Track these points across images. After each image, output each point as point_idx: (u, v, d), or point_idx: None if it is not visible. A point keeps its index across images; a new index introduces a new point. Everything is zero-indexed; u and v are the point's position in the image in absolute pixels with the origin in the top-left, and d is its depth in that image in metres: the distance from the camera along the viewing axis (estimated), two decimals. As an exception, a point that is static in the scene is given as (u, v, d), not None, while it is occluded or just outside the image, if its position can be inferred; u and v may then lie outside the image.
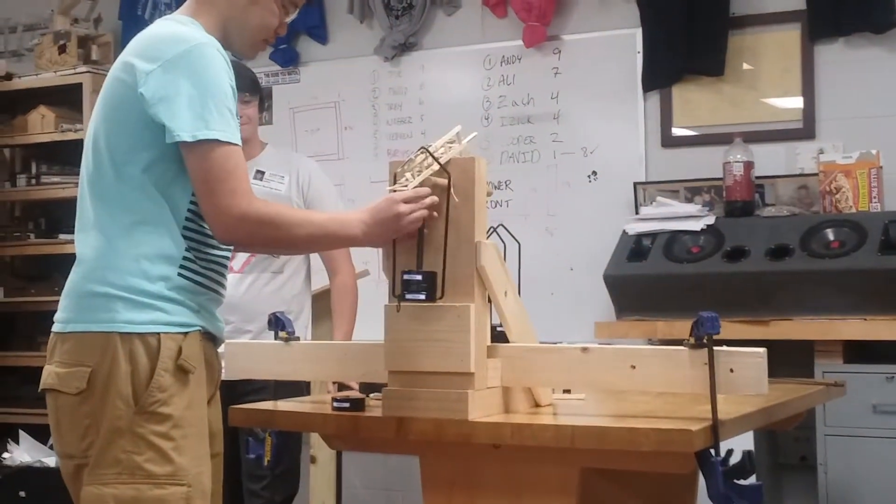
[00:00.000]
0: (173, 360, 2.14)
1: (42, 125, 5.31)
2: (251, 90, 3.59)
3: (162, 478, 2.12)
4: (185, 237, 2.20)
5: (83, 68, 5.25)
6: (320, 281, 3.89)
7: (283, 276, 3.58)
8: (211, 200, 2.14)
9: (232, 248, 2.33)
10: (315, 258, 3.70)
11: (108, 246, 2.18)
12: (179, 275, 2.19)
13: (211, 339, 2.28)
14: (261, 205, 2.19)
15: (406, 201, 2.22)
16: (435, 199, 2.23)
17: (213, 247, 2.26)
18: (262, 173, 3.61)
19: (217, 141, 2.13)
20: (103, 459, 2.12)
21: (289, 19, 2.39)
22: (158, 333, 2.14)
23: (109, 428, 2.11)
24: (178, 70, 2.14)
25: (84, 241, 2.24)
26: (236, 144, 2.17)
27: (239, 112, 3.52)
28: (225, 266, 2.32)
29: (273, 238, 2.23)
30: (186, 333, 2.18)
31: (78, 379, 2.14)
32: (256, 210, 2.17)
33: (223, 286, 2.32)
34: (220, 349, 2.35)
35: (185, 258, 2.20)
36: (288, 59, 5.23)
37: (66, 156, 5.38)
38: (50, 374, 2.19)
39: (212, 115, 2.13)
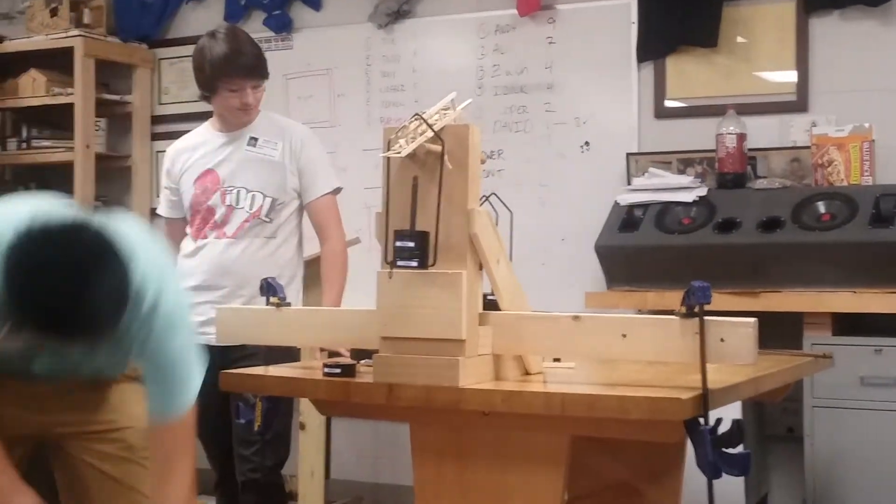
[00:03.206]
0: None
1: (33, 88, 5.29)
2: (265, 76, 3.57)
3: None
4: None
5: (75, 32, 5.23)
6: (313, 248, 3.89)
7: (276, 241, 3.57)
8: None
9: None
10: (307, 225, 3.70)
11: None
12: None
13: None
14: None
15: None
16: None
17: None
18: (256, 140, 3.60)
19: None
20: None
21: None
22: None
23: None
24: None
25: None
26: None
27: (252, 98, 3.51)
28: None
29: None
30: None
31: None
32: None
33: None
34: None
35: None
36: (281, 25, 5.20)
37: (57, 120, 5.37)
38: None
39: None
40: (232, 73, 3.47)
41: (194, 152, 3.63)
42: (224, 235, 3.55)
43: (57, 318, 1.86)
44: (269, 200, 3.55)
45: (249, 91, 3.51)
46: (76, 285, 1.85)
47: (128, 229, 2.08)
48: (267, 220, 3.55)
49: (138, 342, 2.18)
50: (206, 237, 3.57)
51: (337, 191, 3.67)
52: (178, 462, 2.34)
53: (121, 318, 1.95)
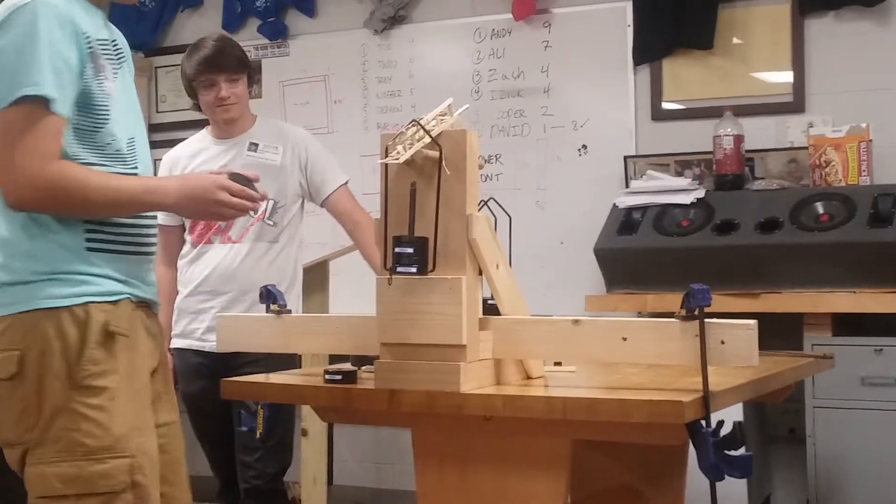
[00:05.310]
0: (102, 331, 2.10)
1: None
2: (237, 68, 3.59)
3: (101, 452, 2.08)
4: None
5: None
6: (311, 255, 3.90)
7: (279, 245, 3.59)
8: (1, 159, 2.06)
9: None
10: (308, 231, 3.70)
11: (8, 231, 2.15)
12: (88, 248, 2.15)
13: (147, 306, 2.26)
14: (56, 167, 2.08)
15: (231, 192, 2.25)
16: (259, 196, 2.31)
17: None
18: (256, 145, 3.62)
19: (25, 97, 2.05)
20: (44, 439, 2.09)
21: None
22: (85, 304, 2.10)
23: (49, 408, 2.08)
24: (3, 32, 2.08)
25: None
26: (51, 98, 2.06)
27: (226, 91, 3.55)
28: (147, 225, 2.28)
29: (66, 203, 2.11)
30: (115, 302, 2.15)
31: (8, 363, 2.09)
32: (49, 174, 2.07)
33: (147, 244, 2.28)
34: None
35: (87, 230, 2.15)
36: (276, 32, 5.21)
37: None
38: None
39: (31, 70, 2.05)
40: (200, 68, 3.54)
41: (194, 159, 3.64)
42: (229, 240, 3.56)
43: None
44: (271, 203, 3.57)
45: (223, 85, 3.53)
46: None
47: None
48: (270, 223, 3.58)
49: None
50: (210, 242, 3.58)
51: (347, 183, 3.71)
52: None
53: None
